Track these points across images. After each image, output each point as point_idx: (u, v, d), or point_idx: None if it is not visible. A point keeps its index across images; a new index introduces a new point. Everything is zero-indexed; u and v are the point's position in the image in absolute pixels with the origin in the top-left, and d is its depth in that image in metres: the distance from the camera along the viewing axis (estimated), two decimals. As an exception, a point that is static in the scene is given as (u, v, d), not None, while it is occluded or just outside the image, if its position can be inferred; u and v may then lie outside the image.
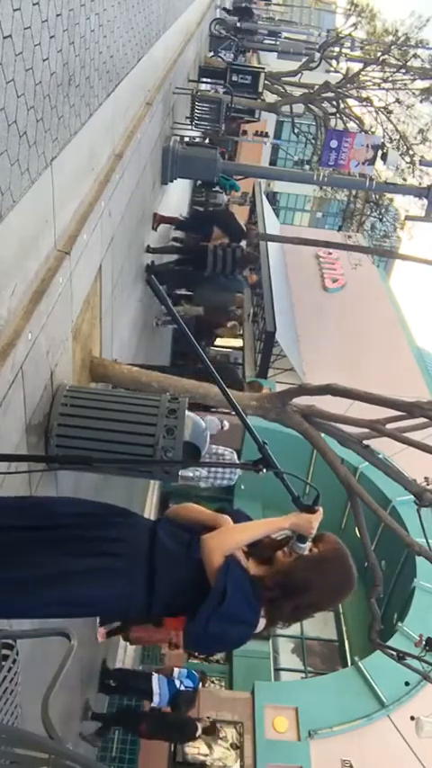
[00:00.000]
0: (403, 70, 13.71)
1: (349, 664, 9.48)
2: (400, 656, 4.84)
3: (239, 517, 2.14)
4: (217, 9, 18.20)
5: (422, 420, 4.00)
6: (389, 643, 5.90)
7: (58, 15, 3.03)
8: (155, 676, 7.00)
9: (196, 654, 8.99)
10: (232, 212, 11.24)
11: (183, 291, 9.00)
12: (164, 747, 7.54)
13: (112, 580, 1.93)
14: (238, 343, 14.46)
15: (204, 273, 8.32)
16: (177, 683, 6.91)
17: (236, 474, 8.21)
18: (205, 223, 9.72)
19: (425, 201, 9.04)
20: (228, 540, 1.99)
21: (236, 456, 8.22)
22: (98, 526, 2.00)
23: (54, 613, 2.02)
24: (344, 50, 16.48)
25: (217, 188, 13.30)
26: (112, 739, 7.19)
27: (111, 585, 1.93)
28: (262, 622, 2.00)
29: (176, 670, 7.07)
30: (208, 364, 2.09)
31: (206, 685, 8.06)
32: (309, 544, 2.04)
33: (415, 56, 13.82)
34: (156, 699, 6.85)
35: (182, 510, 2.18)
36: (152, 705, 6.98)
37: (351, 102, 14.75)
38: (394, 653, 4.87)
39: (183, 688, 6.91)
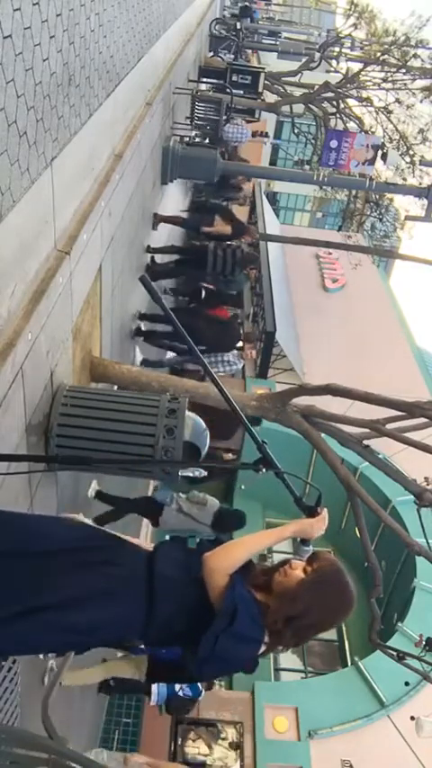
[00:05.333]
0: (403, 70, 13.69)
1: (349, 664, 9.48)
2: (400, 656, 4.84)
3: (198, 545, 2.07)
4: (225, 10, 18.21)
5: (422, 420, 4.00)
6: (389, 643, 5.90)
7: (58, 15, 3.03)
8: (154, 676, 6.99)
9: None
10: (230, 210, 11.24)
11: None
12: (164, 748, 7.55)
13: (107, 603, 1.88)
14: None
15: (204, 273, 8.32)
16: (177, 686, 6.89)
17: (240, 362, 8.31)
18: (207, 213, 9.73)
19: (425, 201, 9.03)
20: (229, 558, 1.92)
21: (238, 363, 8.34)
22: (92, 550, 1.97)
23: (50, 642, 1.95)
24: (344, 50, 16.47)
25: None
26: (112, 739, 7.21)
27: (105, 608, 1.88)
28: (262, 646, 1.95)
29: None
30: (207, 368, 2.09)
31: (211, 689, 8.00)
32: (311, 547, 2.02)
33: (415, 56, 13.81)
34: (154, 698, 6.85)
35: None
36: (152, 704, 6.98)
37: (351, 102, 14.75)
38: (394, 653, 4.87)
39: (182, 694, 6.89)
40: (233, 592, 1.87)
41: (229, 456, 6.71)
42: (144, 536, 9.24)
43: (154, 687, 6.91)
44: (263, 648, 1.96)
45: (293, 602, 1.93)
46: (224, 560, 1.92)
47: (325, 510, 2.03)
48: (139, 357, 7.38)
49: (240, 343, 11.88)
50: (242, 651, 1.93)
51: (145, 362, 7.45)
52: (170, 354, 8.29)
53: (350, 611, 2.03)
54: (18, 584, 1.84)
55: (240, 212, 14.49)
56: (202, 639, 1.86)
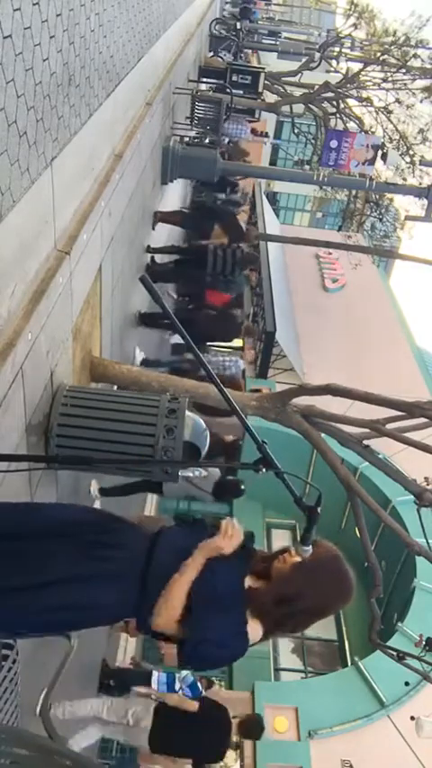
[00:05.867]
0: (403, 70, 13.69)
1: (349, 664, 9.48)
2: (400, 656, 4.84)
3: (199, 530, 2.11)
4: (224, 11, 18.19)
5: (422, 420, 4.00)
6: (389, 643, 5.90)
7: (58, 15, 3.03)
8: (155, 674, 6.99)
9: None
10: (234, 213, 11.24)
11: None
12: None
13: (106, 584, 1.92)
14: (237, 342, 14.46)
15: (204, 273, 8.33)
16: (177, 685, 6.88)
17: (241, 362, 8.54)
18: (207, 218, 9.73)
19: (425, 201, 9.03)
20: (165, 617, 1.91)
21: (240, 363, 8.47)
22: (95, 531, 2.00)
23: (48, 621, 1.96)
24: (344, 50, 16.47)
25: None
26: (111, 739, 7.18)
27: (106, 589, 1.92)
28: (258, 632, 1.96)
29: (184, 672, 7.03)
30: (206, 367, 2.09)
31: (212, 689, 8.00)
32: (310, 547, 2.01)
33: (415, 56, 13.81)
34: (154, 686, 6.85)
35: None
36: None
37: (351, 102, 14.75)
38: (394, 653, 4.87)
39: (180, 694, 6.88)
40: (196, 624, 1.88)
41: (230, 438, 6.69)
42: (149, 510, 9.38)
43: (154, 685, 6.91)
44: (260, 635, 1.96)
45: (287, 583, 1.96)
46: (163, 619, 1.92)
47: (225, 522, 2.01)
48: (139, 357, 7.38)
49: (240, 342, 11.89)
50: (224, 653, 1.95)
51: (145, 362, 7.45)
52: (172, 347, 8.34)
53: (347, 598, 2.03)
54: (21, 562, 1.88)
55: (240, 213, 14.49)
56: (184, 643, 1.90)
